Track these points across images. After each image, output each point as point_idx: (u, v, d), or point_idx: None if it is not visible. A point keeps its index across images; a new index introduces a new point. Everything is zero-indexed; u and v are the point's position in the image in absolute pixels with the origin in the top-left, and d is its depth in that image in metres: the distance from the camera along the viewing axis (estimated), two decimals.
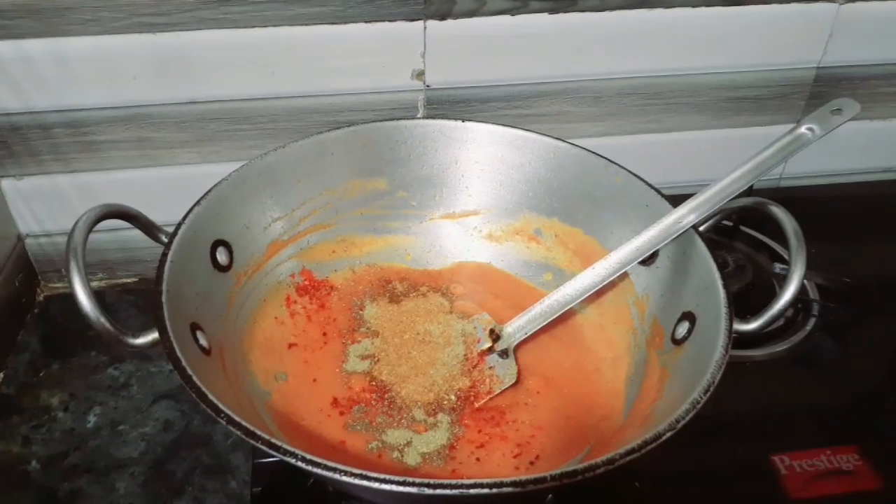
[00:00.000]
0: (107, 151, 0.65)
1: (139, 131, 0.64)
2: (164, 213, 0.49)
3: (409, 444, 0.48)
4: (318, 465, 0.34)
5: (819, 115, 0.48)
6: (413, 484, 0.34)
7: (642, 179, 0.53)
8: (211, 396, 0.37)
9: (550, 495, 0.50)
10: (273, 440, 0.35)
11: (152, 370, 0.63)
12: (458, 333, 0.54)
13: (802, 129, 0.48)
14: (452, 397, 0.51)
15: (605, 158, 0.55)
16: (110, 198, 0.46)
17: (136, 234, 0.64)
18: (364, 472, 0.34)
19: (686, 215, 0.49)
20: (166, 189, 0.67)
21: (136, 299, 0.71)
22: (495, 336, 0.53)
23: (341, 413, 0.50)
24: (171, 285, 0.43)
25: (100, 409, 0.60)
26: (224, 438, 0.58)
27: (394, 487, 0.34)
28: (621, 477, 0.52)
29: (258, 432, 0.35)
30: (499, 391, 0.51)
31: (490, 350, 0.53)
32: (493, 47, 0.65)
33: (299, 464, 0.34)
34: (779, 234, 0.45)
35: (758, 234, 0.69)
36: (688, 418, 0.38)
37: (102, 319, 0.41)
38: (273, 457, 0.51)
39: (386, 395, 0.51)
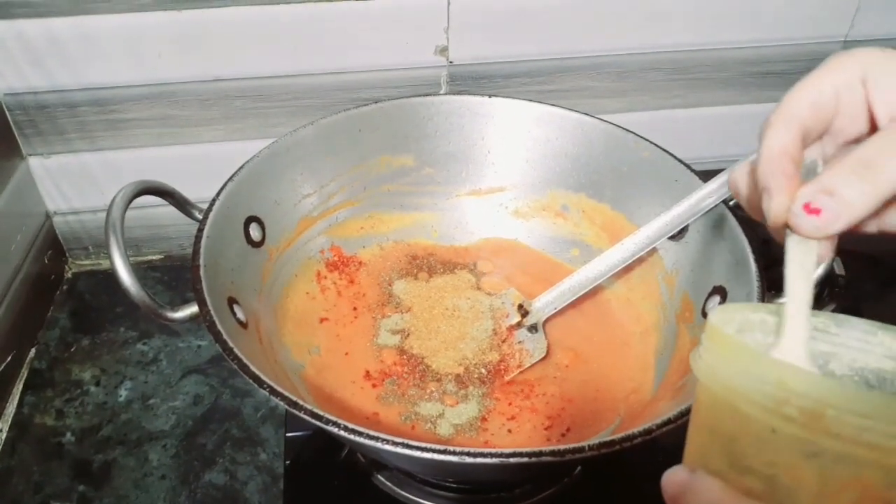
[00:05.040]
0: (132, 129, 0.65)
1: (164, 109, 0.64)
2: (188, 191, 0.49)
3: (441, 415, 0.48)
4: (360, 433, 0.35)
5: None
6: (454, 452, 0.34)
7: (672, 154, 0.53)
8: (253, 368, 0.37)
9: (579, 467, 0.51)
10: (316, 410, 0.36)
11: (180, 345, 0.64)
12: (487, 308, 0.55)
13: None
14: (482, 370, 0.51)
15: (634, 133, 0.55)
16: (136, 176, 0.46)
17: (162, 212, 0.65)
18: (406, 441, 0.34)
19: (717, 190, 0.48)
20: (191, 167, 0.68)
21: (162, 275, 0.72)
22: (524, 311, 0.54)
23: (374, 385, 0.50)
24: (208, 260, 0.44)
25: (130, 384, 0.61)
26: (253, 412, 0.59)
27: (435, 456, 0.34)
28: (645, 449, 0.52)
29: (301, 402, 0.36)
30: (528, 365, 0.52)
31: (518, 325, 0.53)
32: (517, 22, 0.65)
33: (342, 433, 0.35)
34: None
35: None
36: None
37: (143, 294, 0.42)
38: (305, 430, 0.53)
39: (417, 368, 0.51)
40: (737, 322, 0.28)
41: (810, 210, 0.27)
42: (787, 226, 0.28)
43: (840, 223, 0.27)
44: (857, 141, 0.31)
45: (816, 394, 0.22)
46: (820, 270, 0.44)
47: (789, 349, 0.26)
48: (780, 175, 0.28)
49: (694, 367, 0.26)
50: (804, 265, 0.27)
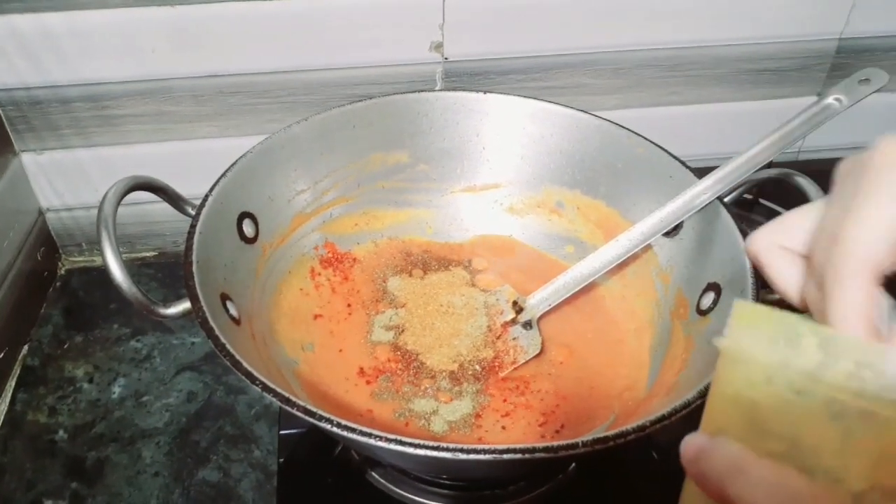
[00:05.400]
0: (126, 125, 0.65)
1: (158, 105, 0.64)
2: (183, 187, 0.49)
3: (435, 412, 0.48)
4: (353, 430, 0.35)
5: (846, 85, 0.48)
6: (447, 449, 0.34)
7: (666, 150, 0.53)
8: (245, 364, 0.37)
9: (573, 464, 0.51)
10: (308, 406, 0.35)
11: (174, 342, 0.64)
12: (481, 305, 0.55)
13: (829, 100, 0.48)
14: (477, 367, 0.51)
15: (628, 129, 0.55)
16: (129, 172, 0.46)
17: (156, 208, 0.64)
18: (399, 438, 0.34)
19: (711, 186, 0.48)
20: (185, 163, 0.68)
21: (156, 272, 0.71)
22: (518, 308, 0.53)
23: (367, 382, 0.50)
24: (201, 256, 0.44)
25: (124, 381, 0.61)
26: (247, 409, 0.59)
27: (428, 452, 0.34)
28: (639, 447, 0.52)
29: (294, 399, 0.36)
30: (523, 361, 0.52)
31: (513, 321, 0.53)
32: (512, 19, 0.64)
33: (334, 429, 0.35)
34: (799, 206, 0.45)
35: (777, 207, 0.69)
36: None
37: (135, 289, 0.41)
38: (298, 427, 0.53)
39: (411, 365, 0.51)
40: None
41: None
42: None
43: None
44: None
45: (850, 356, 0.23)
46: None
47: None
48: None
49: (719, 343, 0.26)
50: None
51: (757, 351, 0.25)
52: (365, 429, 0.35)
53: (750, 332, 0.25)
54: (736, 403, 0.26)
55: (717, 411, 0.27)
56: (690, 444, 0.26)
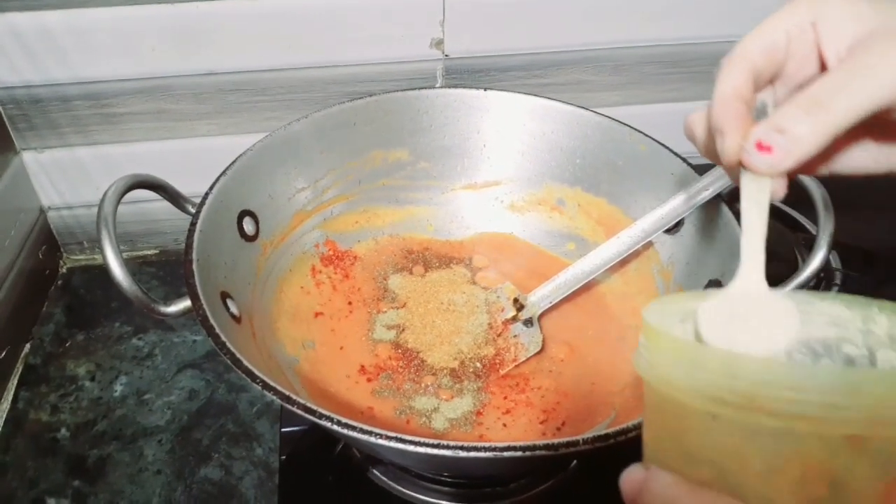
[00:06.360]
0: (126, 123, 0.65)
1: (158, 103, 0.64)
2: (183, 185, 0.49)
3: (436, 410, 0.48)
4: (353, 428, 0.35)
5: None
6: (447, 447, 0.34)
7: (667, 147, 0.53)
8: (246, 362, 0.37)
9: (574, 461, 0.51)
10: (309, 404, 0.35)
11: (175, 340, 0.64)
12: (482, 303, 0.55)
13: None
14: (478, 365, 0.51)
15: (630, 126, 0.55)
16: (130, 170, 0.46)
17: (157, 207, 0.64)
18: (399, 436, 0.34)
19: (713, 183, 0.48)
20: (185, 161, 0.67)
21: (157, 270, 0.72)
22: (519, 305, 0.53)
23: (368, 380, 0.50)
24: (201, 254, 0.44)
25: (125, 379, 0.61)
26: (249, 407, 0.59)
27: (429, 450, 0.34)
28: (640, 444, 0.52)
29: (294, 397, 0.36)
30: (524, 359, 0.52)
31: (514, 319, 0.53)
32: (513, 16, 0.64)
33: (335, 427, 0.35)
34: (800, 202, 0.45)
35: (778, 204, 0.68)
36: None
37: (136, 288, 0.41)
38: (300, 425, 0.53)
39: (412, 363, 0.51)
40: (678, 313, 0.27)
41: (762, 148, 0.27)
42: (740, 164, 0.29)
43: (791, 160, 0.27)
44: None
45: (748, 374, 0.22)
46: (816, 263, 0.44)
47: (748, 279, 0.27)
48: (732, 116, 0.29)
49: (636, 365, 0.25)
50: (759, 201, 0.28)
51: (670, 374, 0.24)
52: (365, 427, 0.34)
53: (659, 353, 0.24)
54: (665, 429, 0.25)
55: (653, 439, 0.26)
56: (629, 481, 0.25)
